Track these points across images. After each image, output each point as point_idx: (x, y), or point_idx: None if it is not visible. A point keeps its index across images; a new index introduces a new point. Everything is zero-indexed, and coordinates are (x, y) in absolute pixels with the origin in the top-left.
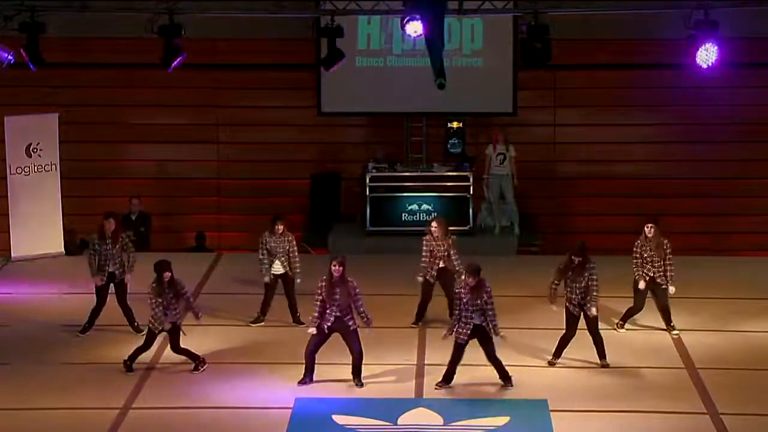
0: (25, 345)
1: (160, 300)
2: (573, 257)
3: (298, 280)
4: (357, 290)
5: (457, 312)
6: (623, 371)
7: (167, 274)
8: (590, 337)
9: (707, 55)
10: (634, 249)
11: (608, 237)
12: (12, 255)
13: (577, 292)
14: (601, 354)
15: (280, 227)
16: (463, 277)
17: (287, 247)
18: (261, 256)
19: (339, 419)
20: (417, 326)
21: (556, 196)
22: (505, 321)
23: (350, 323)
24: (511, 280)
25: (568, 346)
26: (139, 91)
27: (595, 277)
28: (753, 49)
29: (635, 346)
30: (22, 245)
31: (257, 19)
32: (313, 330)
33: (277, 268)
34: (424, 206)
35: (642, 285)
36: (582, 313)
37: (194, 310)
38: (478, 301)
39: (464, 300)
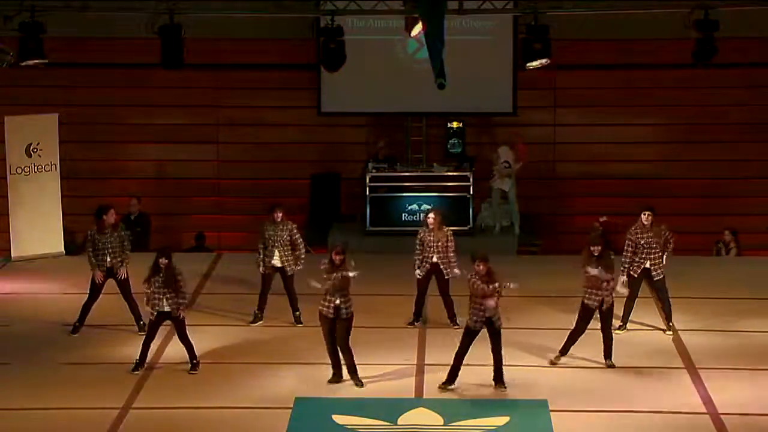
0: (25, 345)
1: (153, 285)
2: (592, 248)
3: (298, 267)
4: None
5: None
6: (623, 371)
7: (163, 261)
8: (592, 336)
9: (704, 55)
10: (628, 236)
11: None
12: (12, 255)
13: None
14: (608, 353)
15: (279, 214)
16: (475, 265)
17: (286, 237)
18: (260, 246)
19: (339, 419)
20: (414, 326)
21: (556, 196)
22: (505, 321)
23: (342, 312)
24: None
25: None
26: (139, 91)
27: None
28: (753, 49)
29: (635, 346)
30: (22, 245)
31: (257, 19)
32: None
33: (276, 260)
34: (424, 206)
35: (623, 281)
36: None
37: (179, 307)
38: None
39: (477, 288)
